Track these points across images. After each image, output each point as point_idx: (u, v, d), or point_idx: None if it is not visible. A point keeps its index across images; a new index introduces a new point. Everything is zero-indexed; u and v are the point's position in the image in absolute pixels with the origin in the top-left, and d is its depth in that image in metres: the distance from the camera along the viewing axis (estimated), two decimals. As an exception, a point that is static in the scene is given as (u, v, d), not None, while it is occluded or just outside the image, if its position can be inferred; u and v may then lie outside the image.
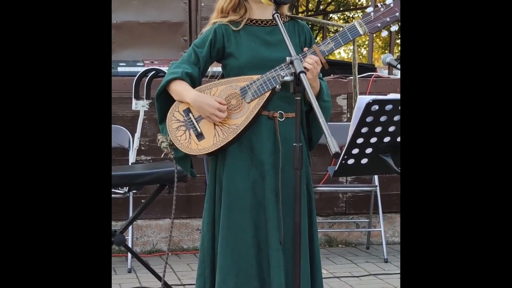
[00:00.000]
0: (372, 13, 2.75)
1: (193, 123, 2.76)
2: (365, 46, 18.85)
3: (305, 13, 15.42)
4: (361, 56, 19.15)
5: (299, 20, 2.90)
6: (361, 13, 10.07)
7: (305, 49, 2.73)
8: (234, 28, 2.79)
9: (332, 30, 12.75)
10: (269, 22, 2.81)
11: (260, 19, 2.81)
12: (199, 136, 2.75)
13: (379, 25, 2.75)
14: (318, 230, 2.92)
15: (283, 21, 2.73)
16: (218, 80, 2.85)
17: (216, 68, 2.98)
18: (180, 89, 2.77)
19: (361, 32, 2.75)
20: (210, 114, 2.71)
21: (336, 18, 16.72)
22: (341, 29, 2.77)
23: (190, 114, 2.77)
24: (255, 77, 2.73)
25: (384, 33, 2.83)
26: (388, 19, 2.75)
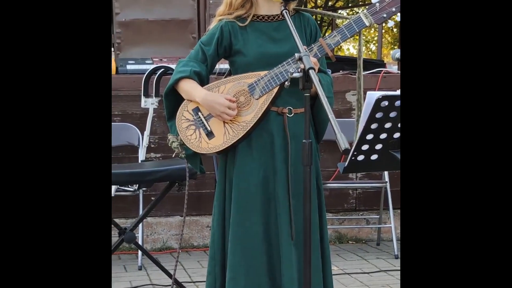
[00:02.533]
0: (377, 4, 2.74)
1: (202, 122, 2.75)
2: (374, 42, 18.81)
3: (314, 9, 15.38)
4: (370, 52, 19.13)
5: (304, 13, 2.89)
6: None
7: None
8: (241, 24, 2.79)
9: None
10: (275, 18, 2.80)
11: (266, 15, 2.80)
12: (209, 134, 2.75)
13: (385, 15, 2.74)
14: (328, 227, 2.91)
15: (289, 15, 2.72)
16: (225, 77, 2.84)
17: (223, 65, 2.97)
18: (189, 88, 2.76)
19: (367, 23, 2.74)
20: (221, 112, 2.71)
21: (345, 14, 16.67)
22: (347, 20, 2.76)
23: (199, 113, 2.76)
24: (262, 73, 2.72)
25: (390, 23, 2.82)
26: (393, 9, 2.73)
